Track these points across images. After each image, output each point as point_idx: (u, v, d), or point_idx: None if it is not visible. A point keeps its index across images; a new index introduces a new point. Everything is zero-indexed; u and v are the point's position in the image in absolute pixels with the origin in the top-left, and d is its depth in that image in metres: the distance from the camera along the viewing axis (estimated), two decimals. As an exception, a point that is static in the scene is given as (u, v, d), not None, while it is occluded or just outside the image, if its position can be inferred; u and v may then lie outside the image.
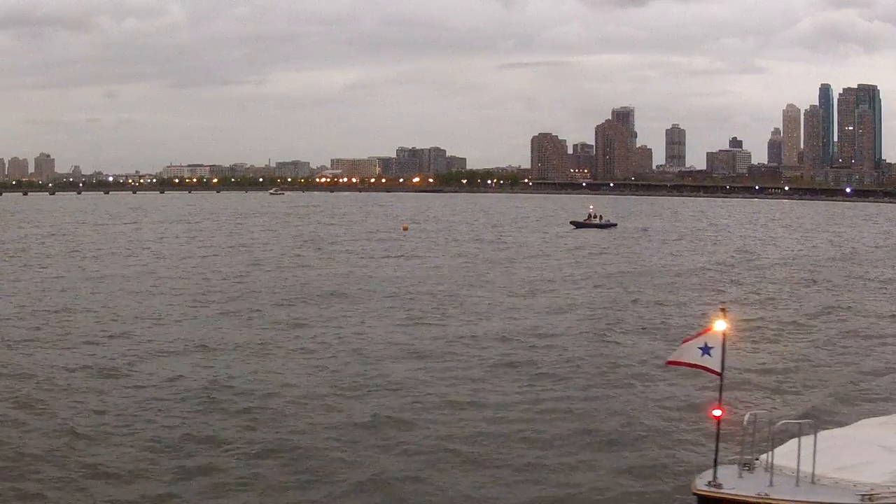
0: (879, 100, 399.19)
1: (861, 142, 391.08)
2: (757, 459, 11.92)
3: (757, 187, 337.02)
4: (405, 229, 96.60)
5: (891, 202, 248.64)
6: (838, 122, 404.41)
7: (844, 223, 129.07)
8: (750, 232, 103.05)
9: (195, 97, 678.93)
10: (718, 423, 12.15)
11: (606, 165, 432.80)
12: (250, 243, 74.49)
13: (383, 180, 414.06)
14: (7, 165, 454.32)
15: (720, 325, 11.77)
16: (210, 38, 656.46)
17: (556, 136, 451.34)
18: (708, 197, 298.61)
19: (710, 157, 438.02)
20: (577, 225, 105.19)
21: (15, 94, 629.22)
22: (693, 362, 11.92)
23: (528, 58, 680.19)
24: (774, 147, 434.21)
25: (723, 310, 11.88)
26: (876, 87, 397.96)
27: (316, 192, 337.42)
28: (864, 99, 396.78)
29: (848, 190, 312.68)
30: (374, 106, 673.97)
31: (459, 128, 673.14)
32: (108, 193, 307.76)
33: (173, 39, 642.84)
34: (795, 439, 11.84)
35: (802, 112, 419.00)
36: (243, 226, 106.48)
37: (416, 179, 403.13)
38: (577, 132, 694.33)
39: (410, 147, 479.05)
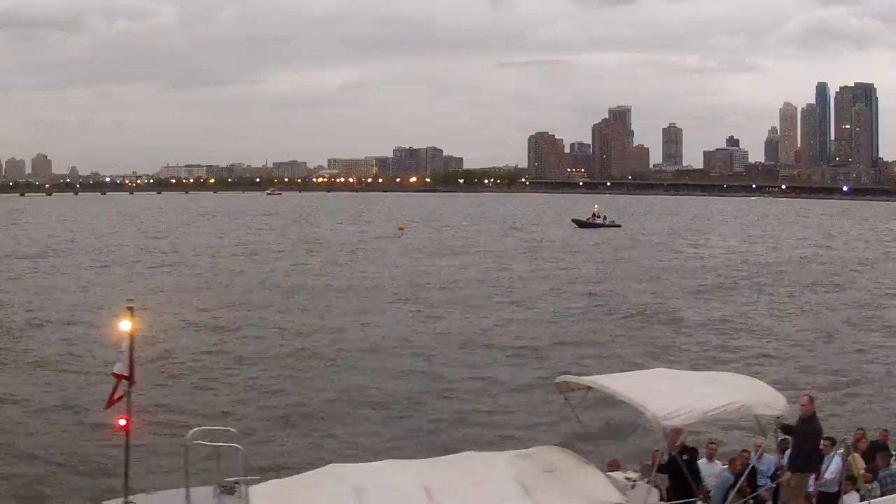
0: (876, 98, 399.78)
1: (858, 140, 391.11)
2: (242, 485, 9.89)
3: (754, 186, 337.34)
4: (401, 229, 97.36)
5: (888, 200, 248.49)
6: (835, 120, 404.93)
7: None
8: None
9: (189, 98, 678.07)
10: (128, 435, 10.34)
11: (603, 164, 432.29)
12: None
13: (380, 180, 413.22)
14: (4, 166, 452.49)
15: (125, 326, 10.32)
16: (202, 39, 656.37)
17: (553, 136, 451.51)
18: (705, 196, 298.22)
19: (707, 155, 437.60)
20: (580, 224, 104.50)
21: (11, 95, 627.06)
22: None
23: (521, 57, 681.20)
24: (771, 146, 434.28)
25: (130, 308, 10.35)
26: (872, 85, 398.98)
27: (313, 193, 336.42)
28: (861, 97, 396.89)
29: (845, 188, 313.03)
30: (369, 106, 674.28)
31: (456, 127, 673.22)
32: (104, 194, 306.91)
33: (165, 40, 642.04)
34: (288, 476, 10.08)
35: (799, 110, 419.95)
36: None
37: (414, 179, 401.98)
38: (574, 131, 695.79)
39: (407, 147, 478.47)
